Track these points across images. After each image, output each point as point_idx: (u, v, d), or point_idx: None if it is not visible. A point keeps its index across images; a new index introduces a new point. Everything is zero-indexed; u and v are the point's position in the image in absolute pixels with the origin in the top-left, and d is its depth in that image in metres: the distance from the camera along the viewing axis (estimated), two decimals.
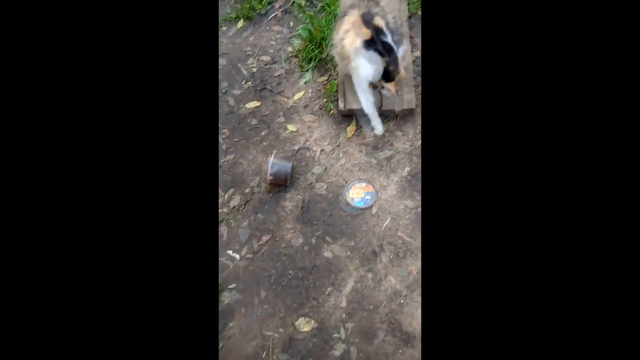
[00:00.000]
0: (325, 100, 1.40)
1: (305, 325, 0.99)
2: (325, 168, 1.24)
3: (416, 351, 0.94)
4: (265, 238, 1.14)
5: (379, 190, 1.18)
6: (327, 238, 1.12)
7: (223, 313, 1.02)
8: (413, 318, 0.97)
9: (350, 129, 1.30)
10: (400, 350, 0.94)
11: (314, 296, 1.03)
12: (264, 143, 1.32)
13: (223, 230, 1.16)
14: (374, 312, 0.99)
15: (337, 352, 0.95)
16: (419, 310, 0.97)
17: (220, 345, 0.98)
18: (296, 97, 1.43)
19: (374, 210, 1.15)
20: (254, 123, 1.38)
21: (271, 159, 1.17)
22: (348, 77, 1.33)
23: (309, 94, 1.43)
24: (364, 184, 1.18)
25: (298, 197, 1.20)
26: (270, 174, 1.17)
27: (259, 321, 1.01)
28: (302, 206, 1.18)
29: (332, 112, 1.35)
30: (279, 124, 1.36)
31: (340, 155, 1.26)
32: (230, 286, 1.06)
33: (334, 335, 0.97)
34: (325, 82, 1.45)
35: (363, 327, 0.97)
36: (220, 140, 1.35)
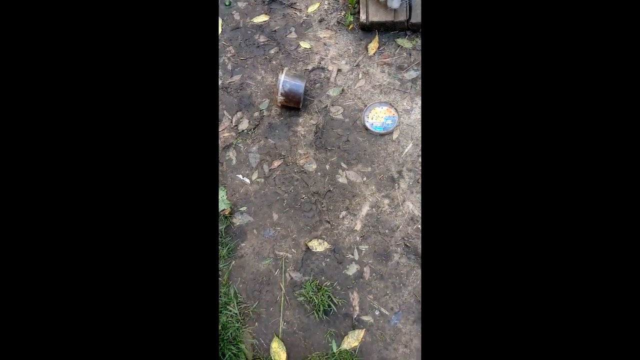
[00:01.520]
0: (343, 12, 1.27)
1: (318, 246, 1.02)
2: (342, 90, 1.18)
3: None
4: (276, 163, 1.12)
5: (401, 114, 1.12)
6: (342, 164, 1.10)
7: (235, 234, 1.06)
8: None
9: (372, 45, 1.20)
10: (414, 272, 0.98)
11: (328, 219, 1.04)
12: (274, 62, 1.24)
13: (232, 154, 1.15)
14: (389, 236, 1.01)
15: (350, 272, 0.99)
16: None
17: (233, 263, 1.03)
18: (310, 9, 1.30)
19: (395, 135, 1.10)
20: (262, 40, 1.28)
21: (282, 77, 1.10)
22: None
23: (325, 6, 1.30)
24: (385, 107, 1.12)
25: (311, 121, 1.16)
26: (281, 94, 1.11)
27: (271, 242, 1.04)
28: (316, 131, 1.14)
29: (351, 26, 1.23)
30: (290, 40, 1.26)
31: (360, 75, 1.18)
32: (241, 208, 1.08)
33: (348, 256, 1.00)
34: None
35: (377, 250, 1.00)
36: (226, 59, 1.27)
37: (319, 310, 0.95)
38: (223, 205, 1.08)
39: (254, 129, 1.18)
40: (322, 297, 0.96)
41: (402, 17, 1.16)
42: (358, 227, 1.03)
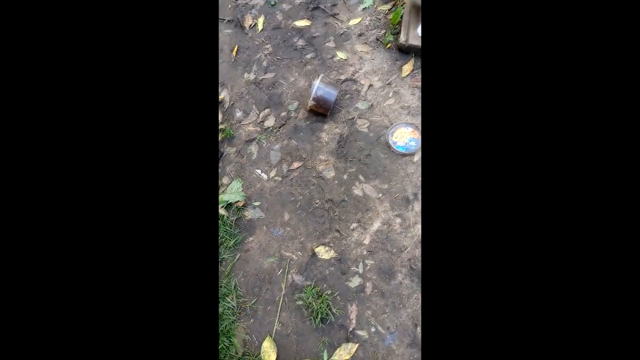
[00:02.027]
0: (383, 31, 1.31)
1: (324, 253, 1.03)
2: (371, 105, 1.21)
3: None
4: (296, 164, 1.14)
5: None
6: (360, 176, 1.12)
7: (244, 227, 1.07)
8: None
9: (407, 67, 1.23)
10: (416, 295, 0.98)
11: (338, 229, 1.06)
12: (309, 67, 1.28)
13: (254, 148, 1.17)
14: (396, 255, 1.02)
15: (352, 284, 1.00)
16: None
17: (238, 255, 1.04)
18: (352, 22, 1.34)
19: (416, 158, 1.13)
20: (300, 44, 1.32)
21: (317, 82, 1.13)
22: (416, 8, 1.23)
23: (367, 22, 1.34)
24: (410, 129, 1.15)
25: (336, 130, 1.18)
26: (313, 98, 1.14)
27: (278, 241, 1.05)
28: (340, 140, 1.17)
29: (389, 45, 1.27)
30: (328, 49, 1.30)
31: (390, 94, 1.21)
32: (255, 203, 1.10)
33: (352, 269, 1.01)
34: (387, 11, 1.35)
35: (383, 267, 1.01)
36: (262, 55, 1.30)
37: (316, 317, 0.96)
38: (238, 197, 1.09)
39: (279, 127, 1.20)
40: (321, 304, 0.97)
41: None
42: (367, 241, 1.04)
